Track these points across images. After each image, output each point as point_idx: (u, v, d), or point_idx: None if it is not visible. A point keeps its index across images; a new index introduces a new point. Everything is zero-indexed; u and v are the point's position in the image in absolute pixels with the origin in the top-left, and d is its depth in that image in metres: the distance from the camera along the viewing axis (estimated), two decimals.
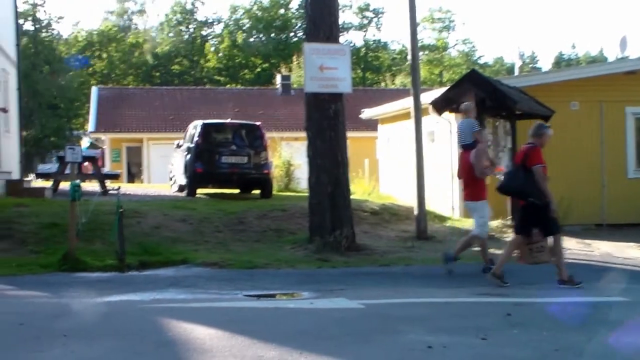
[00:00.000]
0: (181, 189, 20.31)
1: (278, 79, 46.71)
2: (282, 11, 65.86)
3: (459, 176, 11.98)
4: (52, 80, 55.35)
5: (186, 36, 68.56)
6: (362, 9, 68.82)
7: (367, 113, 26.25)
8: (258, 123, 20.59)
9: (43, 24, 59.54)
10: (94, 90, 45.44)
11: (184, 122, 34.17)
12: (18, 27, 23.76)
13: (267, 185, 19.53)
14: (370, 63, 67.20)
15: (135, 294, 9.59)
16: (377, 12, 69.50)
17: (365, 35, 70.08)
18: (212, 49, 66.21)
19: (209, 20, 69.13)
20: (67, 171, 20.57)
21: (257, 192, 19.76)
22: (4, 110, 18.51)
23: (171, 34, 67.41)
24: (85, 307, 8.50)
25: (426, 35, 70.35)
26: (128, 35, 69.19)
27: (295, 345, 6.36)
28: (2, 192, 16.24)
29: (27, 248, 12.61)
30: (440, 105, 15.73)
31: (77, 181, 12.36)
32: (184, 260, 12.31)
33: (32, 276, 10.91)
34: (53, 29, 61.79)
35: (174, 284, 10.45)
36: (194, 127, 20.05)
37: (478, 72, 18.00)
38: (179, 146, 21.28)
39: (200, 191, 19.71)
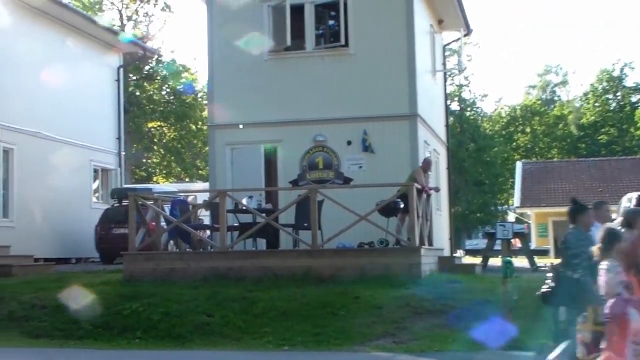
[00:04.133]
0: None
1: None
2: None
3: None
4: (477, 157, 57.02)
5: (613, 104, 66.25)
6: None
7: None
8: None
9: (468, 103, 61.89)
10: (518, 165, 45.81)
11: (614, 194, 32.69)
12: (447, 109, 24.93)
13: None
14: None
15: None
16: None
17: None
18: None
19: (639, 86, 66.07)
20: (496, 247, 20.80)
21: None
22: (437, 190, 19.30)
23: (597, 103, 65.65)
24: None
25: None
26: (551, 108, 68.92)
27: None
28: (435, 268, 16.79)
29: (461, 324, 12.73)
30: None
31: (509, 258, 12.27)
32: None
33: (464, 354, 10.96)
34: (477, 107, 63.95)
35: None
36: (628, 200, 19.01)
37: None
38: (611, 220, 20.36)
39: None
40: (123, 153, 27.48)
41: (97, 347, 12.27)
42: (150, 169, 49.75)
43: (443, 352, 11.08)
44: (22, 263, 18.58)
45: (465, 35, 25.07)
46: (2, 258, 18.33)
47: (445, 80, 25.28)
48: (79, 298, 14.04)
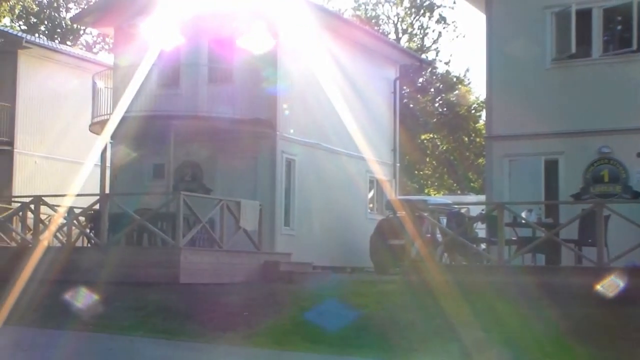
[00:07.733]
0: None
1: None
2: None
3: None
4: None
5: None
6: None
7: None
8: None
9: None
10: None
11: None
12: None
13: None
14: None
15: None
16: None
17: None
18: None
19: None
20: None
21: None
22: None
23: None
24: None
25: None
26: None
27: None
28: None
29: None
30: None
31: None
32: None
33: None
34: None
35: None
36: None
37: None
38: None
39: None
40: (398, 165, 27.77)
41: (375, 356, 12.31)
42: (422, 181, 50.07)
43: None
44: (302, 270, 19.27)
45: None
46: (284, 264, 19.12)
47: None
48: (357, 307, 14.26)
